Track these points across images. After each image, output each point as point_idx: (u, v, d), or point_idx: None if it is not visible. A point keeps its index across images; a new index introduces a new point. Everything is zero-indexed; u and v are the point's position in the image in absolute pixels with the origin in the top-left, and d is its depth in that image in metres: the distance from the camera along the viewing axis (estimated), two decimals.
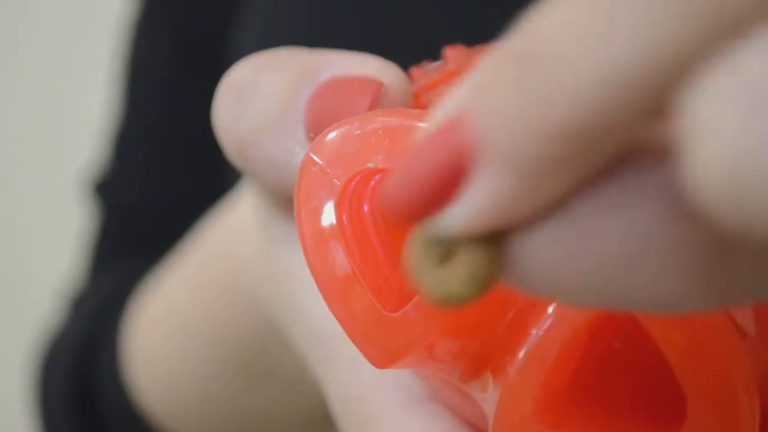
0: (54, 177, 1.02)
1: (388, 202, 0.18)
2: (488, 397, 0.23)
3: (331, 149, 0.24)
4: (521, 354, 0.22)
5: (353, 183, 0.23)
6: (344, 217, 0.23)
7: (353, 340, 0.23)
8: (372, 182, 0.24)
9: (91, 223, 0.57)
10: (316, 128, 0.26)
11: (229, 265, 0.36)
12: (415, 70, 0.27)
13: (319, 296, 0.28)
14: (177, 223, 0.51)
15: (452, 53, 0.28)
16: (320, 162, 0.24)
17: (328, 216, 0.24)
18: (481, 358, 0.23)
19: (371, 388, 0.26)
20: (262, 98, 0.27)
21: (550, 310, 0.22)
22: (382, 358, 0.23)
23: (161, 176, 0.55)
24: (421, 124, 0.23)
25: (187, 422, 0.44)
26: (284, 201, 0.29)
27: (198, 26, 0.53)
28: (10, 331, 1.00)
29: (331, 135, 0.24)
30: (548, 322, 0.22)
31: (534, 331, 0.22)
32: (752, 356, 0.21)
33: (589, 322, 0.21)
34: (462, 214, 0.17)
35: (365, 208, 0.24)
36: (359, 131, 0.23)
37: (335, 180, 0.24)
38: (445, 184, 0.17)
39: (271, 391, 0.39)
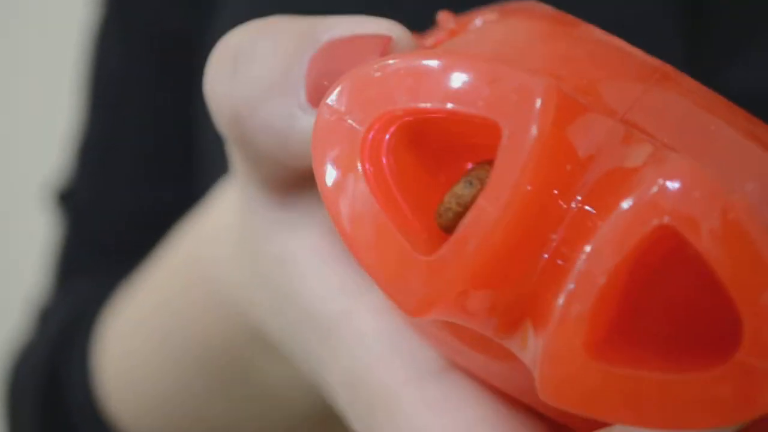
0: (18, 186, 1.01)
1: None
2: (530, 347, 0.22)
3: (350, 94, 0.23)
4: (567, 288, 0.21)
5: (374, 128, 0.23)
6: (367, 163, 0.23)
7: (384, 288, 0.23)
8: (390, 131, 0.23)
9: (56, 233, 0.56)
10: (318, 91, 0.25)
11: (202, 271, 0.36)
12: (414, 36, 0.27)
13: (315, 276, 0.28)
14: (144, 232, 0.50)
15: (446, 16, 0.27)
16: (338, 108, 0.23)
17: (350, 163, 0.23)
18: (517, 310, 0.22)
19: (383, 362, 0.26)
20: (261, 62, 0.26)
21: (588, 248, 0.21)
22: (416, 305, 0.22)
23: (128, 185, 0.54)
24: (441, 62, 0.22)
25: None
26: (277, 179, 0.28)
27: (164, 31, 0.52)
28: None
29: (348, 81, 0.23)
30: (589, 256, 0.21)
31: (576, 267, 0.21)
32: None
33: (632, 252, 0.21)
34: None
35: (383, 159, 0.23)
36: (379, 74, 0.23)
37: (356, 125, 0.23)
38: None
39: (245, 404, 0.38)
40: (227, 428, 0.40)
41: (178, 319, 0.38)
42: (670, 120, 0.23)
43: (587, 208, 0.22)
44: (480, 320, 0.22)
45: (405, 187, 0.24)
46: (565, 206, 0.22)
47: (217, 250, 0.34)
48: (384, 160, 0.23)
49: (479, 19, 0.26)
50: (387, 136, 0.23)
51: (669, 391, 0.21)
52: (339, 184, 0.23)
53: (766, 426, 0.22)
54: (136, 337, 0.42)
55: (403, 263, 0.23)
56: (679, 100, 0.24)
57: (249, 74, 0.26)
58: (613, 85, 0.24)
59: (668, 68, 0.24)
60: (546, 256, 0.22)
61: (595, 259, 0.21)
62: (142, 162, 0.54)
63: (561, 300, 0.21)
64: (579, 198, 0.22)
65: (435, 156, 0.24)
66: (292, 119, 0.25)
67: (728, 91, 0.36)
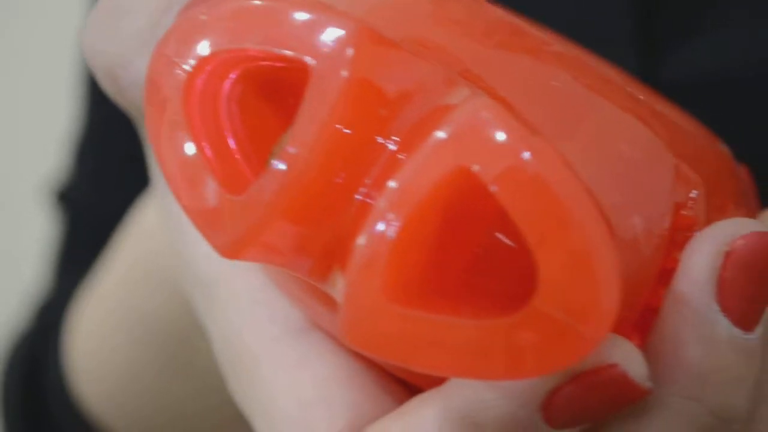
0: (17, 184, 1.02)
1: None
2: (338, 289, 0.22)
3: (178, 38, 0.23)
4: (368, 229, 0.21)
5: (204, 72, 0.23)
6: (193, 106, 0.23)
7: (200, 229, 0.23)
8: (230, 77, 0.23)
9: (55, 231, 0.56)
10: None
11: (149, 245, 0.36)
12: None
13: (203, 241, 0.27)
14: None
15: None
16: (167, 53, 0.23)
17: (176, 106, 0.23)
18: (330, 252, 0.22)
19: (247, 323, 0.26)
20: (135, 16, 0.26)
21: (393, 184, 0.21)
22: (229, 246, 0.22)
23: (127, 181, 0.54)
24: (263, 4, 0.22)
25: (121, 418, 0.43)
26: None
27: None
28: None
29: (177, 23, 0.23)
30: (390, 196, 0.21)
31: (378, 206, 0.21)
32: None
33: (432, 193, 0.21)
34: None
35: (223, 106, 0.23)
36: (205, 17, 0.23)
37: (185, 67, 0.23)
38: None
39: (191, 385, 0.38)
40: (184, 411, 0.40)
41: (132, 297, 0.38)
42: (512, 74, 0.23)
43: (401, 149, 0.21)
44: (290, 260, 0.22)
45: (246, 135, 0.23)
46: (379, 147, 0.21)
47: (154, 224, 0.34)
48: (223, 107, 0.23)
49: None
50: (228, 83, 0.23)
51: (468, 337, 0.20)
52: (165, 129, 0.23)
53: (589, 381, 0.21)
54: (95, 317, 0.42)
55: (219, 206, 0.22)
56: (525, 57, 0.23)
57: (122, 28, 0.26)
58: (457, 38, 0.23)
59: (522, 24, 0.24)
60: (359, 197, 0.21)
61: (395, 199, 0.21)
62: (140, 157, 0.54)
63: (362, 240, 0.21)
64: (396, 139, 0.21)
65: (289, 105, 0.24)
66: None
67: (677, 74, 0.35)
